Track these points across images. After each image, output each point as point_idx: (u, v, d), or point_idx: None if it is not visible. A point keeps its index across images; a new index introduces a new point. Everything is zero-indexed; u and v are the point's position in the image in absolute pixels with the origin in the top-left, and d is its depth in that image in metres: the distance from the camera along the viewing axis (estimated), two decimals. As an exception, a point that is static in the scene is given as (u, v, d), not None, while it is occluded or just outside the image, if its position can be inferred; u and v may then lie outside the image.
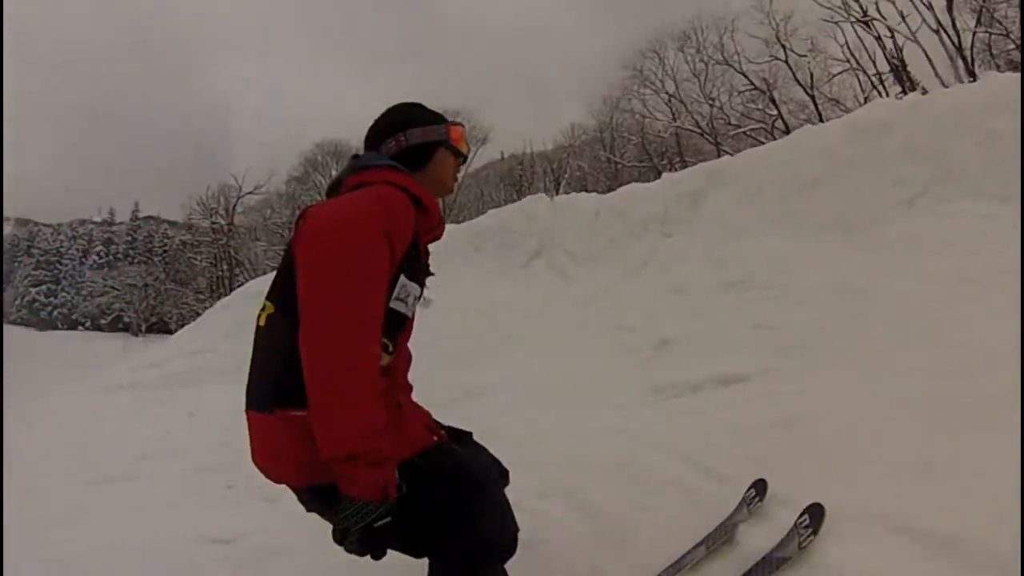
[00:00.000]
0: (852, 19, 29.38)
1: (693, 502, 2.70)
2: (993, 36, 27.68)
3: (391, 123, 2.06)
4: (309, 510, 1.86)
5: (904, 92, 26.01)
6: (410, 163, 1.98)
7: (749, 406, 3.46)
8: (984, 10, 27.45)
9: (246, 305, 9.90)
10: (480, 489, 1.85)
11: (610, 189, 30.64)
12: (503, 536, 1.85)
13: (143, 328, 53.94)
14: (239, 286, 20.61)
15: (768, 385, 3.67)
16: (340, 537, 1.61)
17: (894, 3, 27.91)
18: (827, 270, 4.85)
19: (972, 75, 25.75)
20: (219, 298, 19.81)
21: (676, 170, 34.14)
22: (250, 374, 1.85)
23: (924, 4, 27.64)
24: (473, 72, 61.73)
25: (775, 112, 31.78)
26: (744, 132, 31.30)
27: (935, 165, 5.26)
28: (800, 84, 31.77)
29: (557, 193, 37.90)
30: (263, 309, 1.84)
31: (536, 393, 4.72)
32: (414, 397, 2.08)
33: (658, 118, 37.43)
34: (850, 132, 6.05)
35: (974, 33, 27.48)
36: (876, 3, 28.41)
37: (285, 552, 3.12)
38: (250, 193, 47.47)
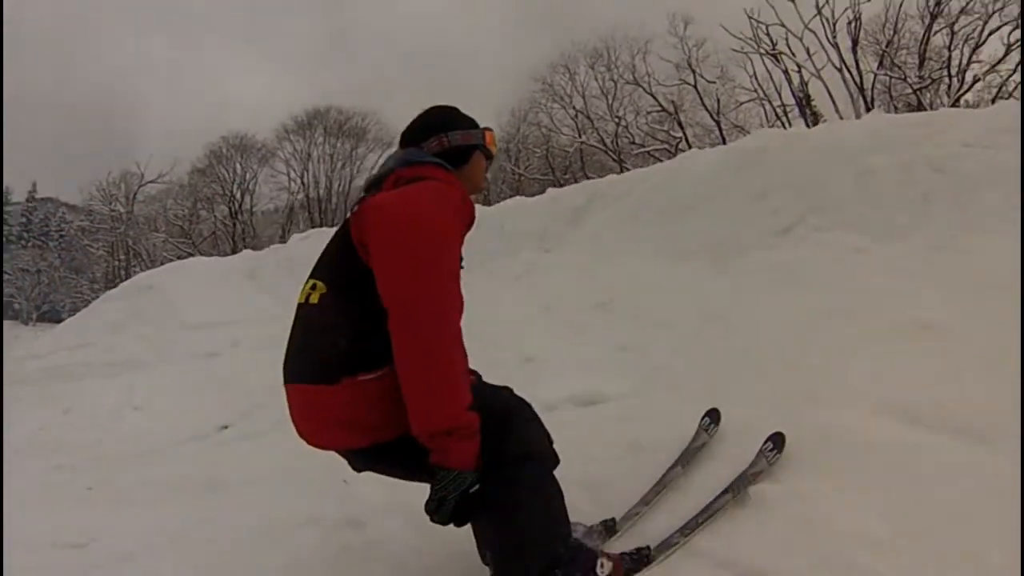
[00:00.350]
0: (762, 51, 30.49)
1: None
2: (893, 79, 29.15)
3: (433, 123, 2.28)
4: (361, 470, 2.20)
5: (807, 125, 27.28)
6: (450, 162, 2.19)
7: (601, 429, 3.48)
8: (886, 54, 29.02)
9: (133, 298, 9.50)
10: (519, 413, 2.15)
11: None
12: (548, 446, 2.19)
13: (34, 317, 50.81)
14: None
15: (624, 409, 3.72)
16: (436, 506, 1.85)
17: (801, 40, 29.18)
18: (695, 295, 4.95)
19: (868, 107, 27.27)
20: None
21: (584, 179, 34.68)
22: (301, 351, 2.04)
23: (831, 43, 28.96)
24: (385, 75, 60.99)
25: (680, 135, 32.56)
26: (648, 152, 32.00)
27: (812, 197, 5.43)
28: (707, 109, 32.90)
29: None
30: (312, 288, 2.05)
31: None
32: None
33: (564, 133, 38.11)
34: (732, 159, 6.23)
35: (875, 75, 28.96)
36: (786, 38, 29.58)
37: (139, 556, 3.08)
38: (152, 182, 45.47)
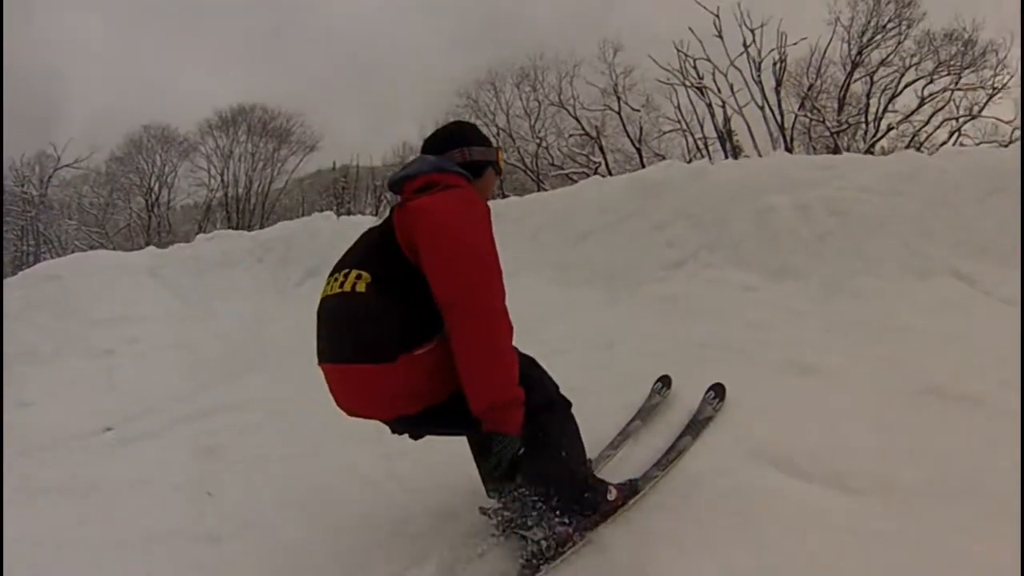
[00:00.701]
0: (687, 84, 31.08)
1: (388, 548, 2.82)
2: (812, 121, 30.18)
3: (457, 136, 2.64)
4: (400, 433, 2.55)
5: (727, 159, 27.97)
6: (469, 173, 2.52)
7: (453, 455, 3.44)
8: (807, 97, 30.04)
9: (32, 288, 8.94)
10: (533, 369, 2.49)
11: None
12: (560, 393, 2.55)
13: (-66, 302, 47.36)
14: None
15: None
16: (493, 466, 2.25)
17: (726, 76, 29.88)
18: (583, 322, 4.96)
19: (789, 152, 28.06)
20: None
21: (502, 198, 34.82)
22: (349, 335, 2.26)
23: (755, 81, 29.78)
24: (315, 78, 59.93)
25: (600, 159, 32.90)
26: (566, 174, 32.23)
27: (709, 232, 5.48)
28: (629, 136, 33.21)
29: (376, 212, 37.53)
30: (358, 278, 2.27)
31: (275, 417, 4.70)
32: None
33: (485, 151, 37.72)
34: (634, 188, 6.24)
35: (796, 116, 29.94)
36: (713, 73, 30.25)
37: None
38: (68, 166, 43.06)
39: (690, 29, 29.46)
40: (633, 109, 32.90)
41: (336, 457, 3.82)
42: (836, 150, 27.72)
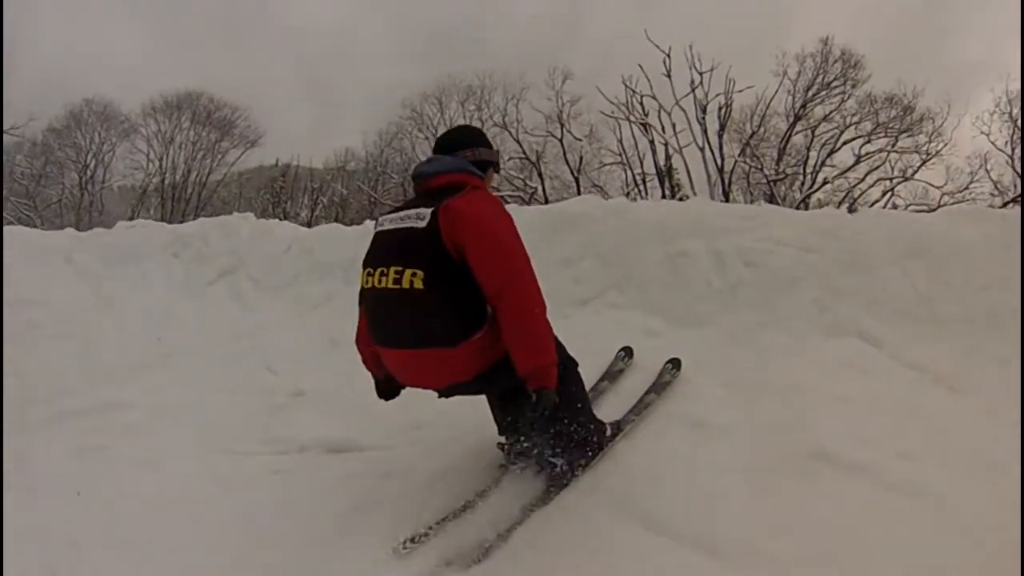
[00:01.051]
0: (632, 119, 31.44)
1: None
2: (752, 168, 30.85)
3: (468, 137, 3.14)
4: (448, 396, 3.06)
5: (664, 196, 28.53)
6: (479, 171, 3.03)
7: (340, 476, 3.65)
8: (749, 144, 30.72)
9: None
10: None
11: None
12: (567, 352, 3.24)
13: None
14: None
15: (373, 461, 3.81)
16: (538, 415, 2.71)
17: (670, 115, 30.36)
18: None
19: (726, 196, 28.74)
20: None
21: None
22: (413, 325, 2.76)
23: (699, 123, 30.28)
24: (262, 71, 58.98)
25: (537, 185, 33.07)
26: (502, 197, 32.20)
27: (618, 271, 5.44)
28: (568, 165, 33.53)
29: (312, 215, 37.07)
30: (413, 275, 2.68)
31: (163, 419, 4.60)
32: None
33: (423, 163, 37.54)
34: (548, 221, 6.16)
35: (736, 161, 30.56)
36: (658, 111, 30.62)
37: None
38: (3, 132, 41.38)
39: (639, 66, 29.91)
40: (575, 138, 33.29)
41: (215, 463, 3.86)
42: (772, 198, 28.71)
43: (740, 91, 30.52)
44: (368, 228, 7.46)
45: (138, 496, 3.52)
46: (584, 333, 4.73)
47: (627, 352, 4.44)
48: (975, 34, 46.87)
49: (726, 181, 30.48)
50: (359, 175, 40.14)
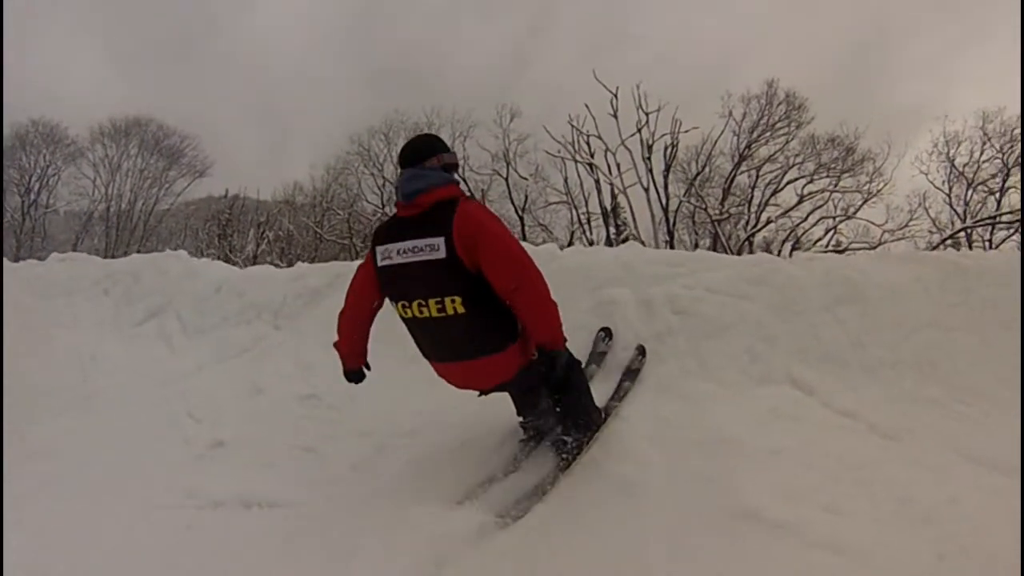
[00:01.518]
0: (578, 160, 31.67)
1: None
2: (696, 208, 31.28)
3: (430, 145, 3.41)
4: (488, 393, 3.69)
5: (609, 236, 28.86)
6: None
7: (253, 533, 3.58)
8: (694, 184, 31.18)
9: None
10: None
11: (312, 259, 30.03)
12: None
13: None
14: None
15: (288, 519, 3.70)
16: (558, 374, 3.49)
17: (615, 155, 30.71)
18: (393, 399, 4.86)
19: (671, 235, 29.05)
20: None
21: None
22: (466, 340, 3.30)
23: (645, 162, 30.62)
24: (213, 99, 58.48)
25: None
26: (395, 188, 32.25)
27: None
28: (513, 203, 33.68)
29: (258, 248, 36.61)
30: (452, 301, 3.17)
31: (82, 469, 4.50)
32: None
33: (369, 200, 37.86)
34: None
35: (681, 201, 30.97)
36: (605, 152, 30.99)
37: None
38: None
39: (586, 106, 30.21)
40: (521, 177, 33.46)
41: (130, 519, 3.77)
42: (717, 237, 29.00)
43: (686, 131, 31.02)
44: (299, 270, 7.40)
45: (49, 551, 3.49)
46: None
47: (607, 333, 5.04)
48: (915, 78, 48.63)
49: (671, 221, 30.95)
50: (306, 209, 39.73)
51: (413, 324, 3.39)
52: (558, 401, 3.90)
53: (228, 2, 64.39)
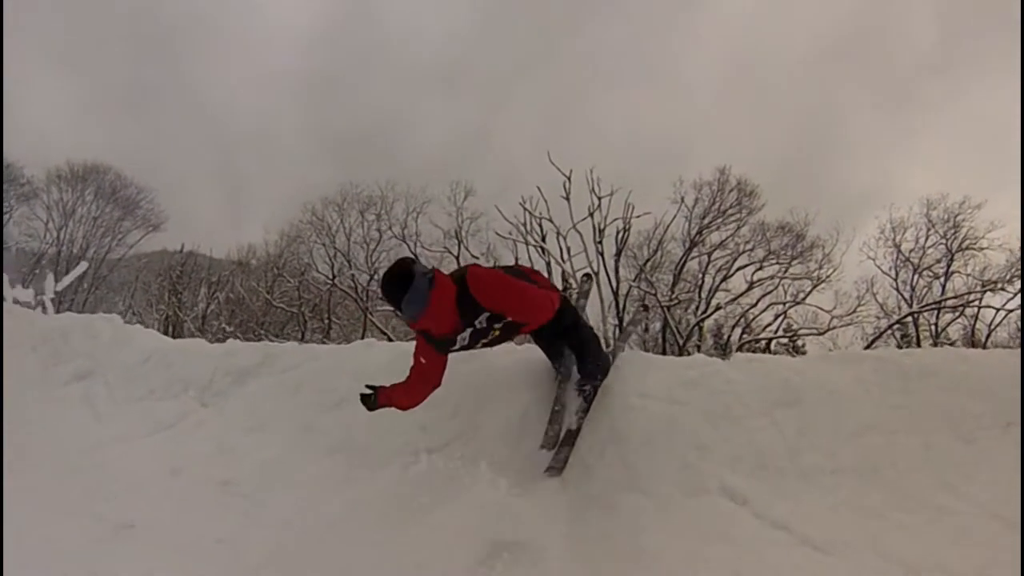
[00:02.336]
0: (530, 242, 31.95)
1: None
2: (646, 292, 31.63)
3: (402, 278, 3.95)
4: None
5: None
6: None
7: None
8: (644, 269, 31.67)
9: None
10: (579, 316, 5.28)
11: (261, 324, 29.69)
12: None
13: None
14: None
15: None
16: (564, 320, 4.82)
17: (565, 239, 31.34)
18: (321, 496, 4.76)
19: (620, 320, 29.30)
20: None
21: (327, 322, 34.21)
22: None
23: (596, 245, 30.98)
24: (174, 151, 58.20)
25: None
26: (392, 311, 32.18)
27: (467, 421, 5.30)
28: (463, 282, 33.46)
29: (207, 308, 36.14)
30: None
31: None
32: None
33: (319, 270, 37.62)
34: (397, 360, 5.87)
35: (631, 285, 31.33)
36: (557, 235, 31.30)
37: None
38: None
39: (538, 188, 30.66)
40: (472, 256, 33.45)
41: None
42: (666, 323, 29.32)
43: (638, 216, 31.59)
44: (231, 347, 7.32)
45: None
46: (424, 486, 4.69)
47: (588, 278, 7.06)
48: (862, 166, 50.30)
49: (621, 305, 31.26)
50: (258, 273, 39.51)
51: None
52: (575, 348, 4.97)
53: (200, 54, 65.55)
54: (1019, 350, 4.97)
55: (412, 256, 6.42)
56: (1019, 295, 28.82)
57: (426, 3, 62.17)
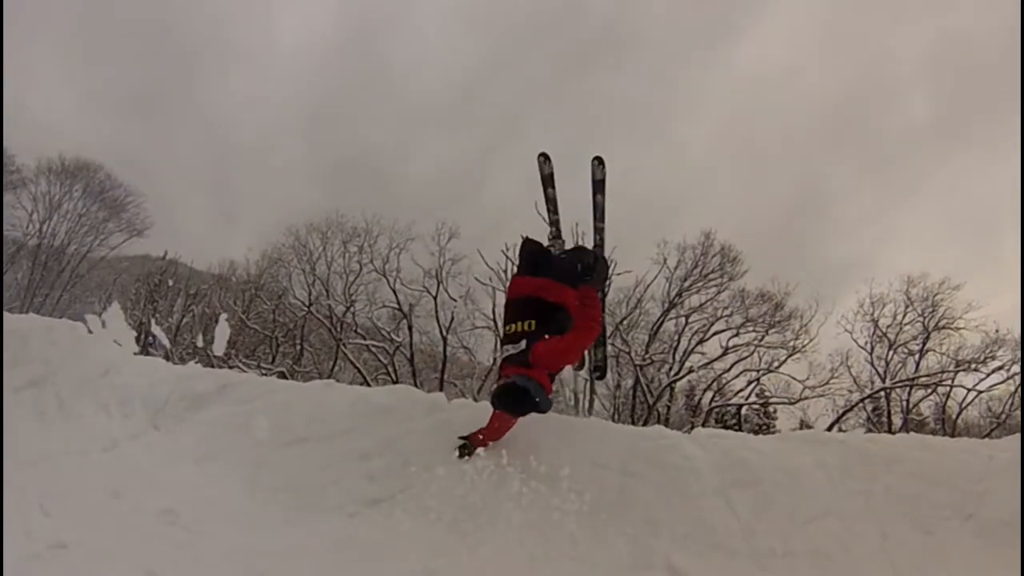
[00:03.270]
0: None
1: None
2: (621, 352, 31.86)
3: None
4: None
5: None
6: None
7: None
8: (619, 329, 32.12)
9: None
10: None
11: (233, 344, 29.14)
12: None
13: None
14: None
15: None
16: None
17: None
18: (261, 538, 4.61)
19: (591, 403, 29.67)
20: None
21: (299, 349, 33.83)
22: None
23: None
24: (169, 157, 57.98)
25: (404, 338, 32.93)
26: (367, 346, 32.27)
27: (415, 475, 5.14)
28: (439, 323, 33.34)
29: (181, 320, 35.74)
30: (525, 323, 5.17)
31: None
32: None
33: (296, 295, 37.16)
34: (356, 406, 5.97)
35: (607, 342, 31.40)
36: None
37: None
38: None
39: (523, 236, 30.44)
40: (451, 297, 33.22)
41: None
42: (638, 381, 29.38)
43: (619, 274, 31.41)
44: (192, 371, 7.22)
45: None
46: (368, 540, 4.54)
47: (547, 157, 6.57)
48: (846, 238, 50.95)
49: (587, 399, 31.22)
50: (236, 291, 38.98)
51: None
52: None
53: (212, 68, 64.91)
54: (986, 439, 5.00)
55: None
56: (994, 374, 29.62)
57: (431, 44, 62.06)
